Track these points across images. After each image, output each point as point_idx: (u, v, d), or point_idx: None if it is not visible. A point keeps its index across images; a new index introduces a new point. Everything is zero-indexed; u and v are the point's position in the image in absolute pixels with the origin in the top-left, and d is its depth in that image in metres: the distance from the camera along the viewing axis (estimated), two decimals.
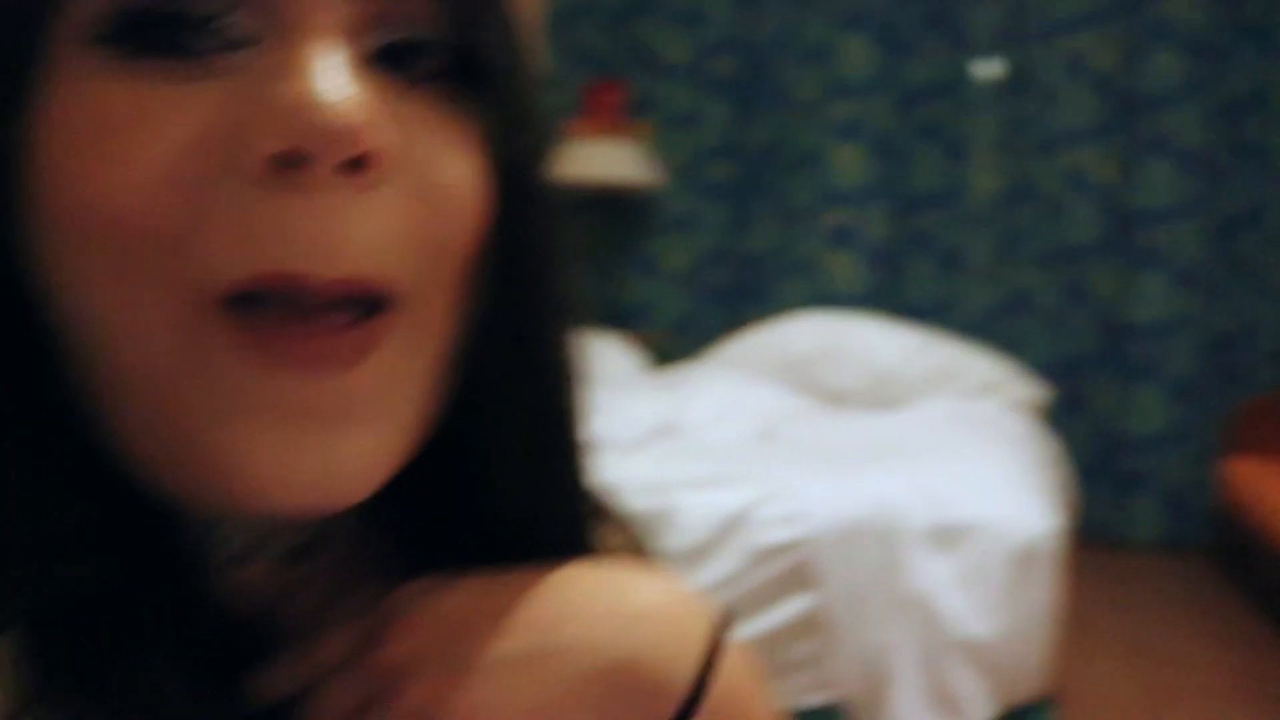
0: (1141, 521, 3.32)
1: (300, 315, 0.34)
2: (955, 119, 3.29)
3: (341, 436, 0.36)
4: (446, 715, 0.40)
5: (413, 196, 0.36)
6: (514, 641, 0.42)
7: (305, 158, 0.33)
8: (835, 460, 2.07)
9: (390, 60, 0.37)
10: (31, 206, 0.36)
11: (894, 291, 3.32)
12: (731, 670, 0.43)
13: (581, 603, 0.43)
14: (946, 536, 1.88)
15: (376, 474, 0.37)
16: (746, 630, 1.81)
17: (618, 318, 3.73)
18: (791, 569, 1.85)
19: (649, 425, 2.28)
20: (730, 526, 1.87)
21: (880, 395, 2.61)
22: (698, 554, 1.86)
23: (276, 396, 0.35)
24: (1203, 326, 3.24)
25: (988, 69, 3.24)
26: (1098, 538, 3.21)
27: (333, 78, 0.33)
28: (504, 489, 0.44)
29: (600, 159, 3.49)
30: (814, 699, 1.87)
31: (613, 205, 3.76)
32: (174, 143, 0.34)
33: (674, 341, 3.54)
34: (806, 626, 1.85)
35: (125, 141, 0.34)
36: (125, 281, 0.34)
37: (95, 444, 0.38)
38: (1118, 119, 3.22)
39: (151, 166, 0.34)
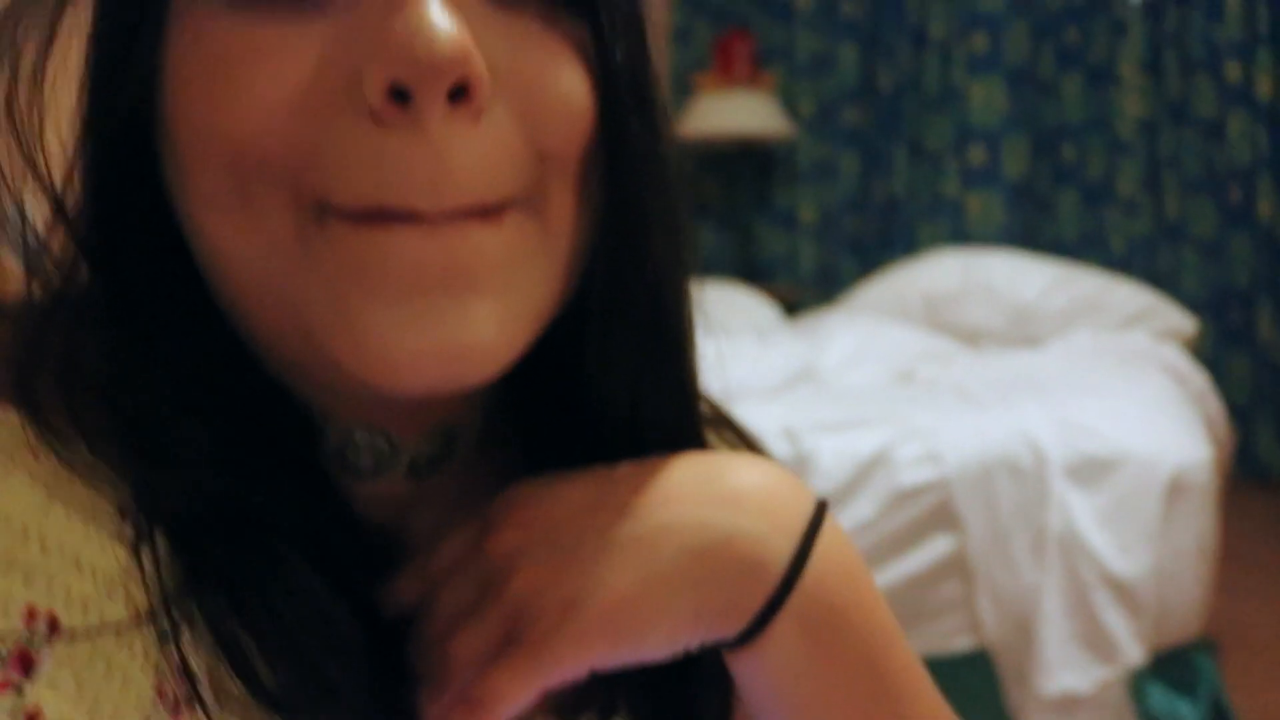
0: None
1: (415, 223, 0.36)
2: (1098, 42, 3.15)
3: (465, 305, 0.37)
4: (552, 599, 0.42)
5: (522, 109, 0.38)
6: (614, 524, 0.43)
7: (413, 89, 0.35)
8: (974, 398, 2.03)
9: None
10: (164, 138, 0.39)
11: (1037, 227, 3.21)
12: (830, 551, 0.44)
13: (680, 486, 0.44)
14: (1090, 470, 1.82)
15: (504, 349, 0.38)
16: (890, 573, 1.80)
17: (755, 270, 3.72)
18: (932, 509, 1.83)
19: (786, 372, 2.27)
20: (868, 468, 1.86)
21: (1021, 332, 2.54)
22: (837, 498, 1.85)
23: (396, 269, 0.36)
24: None
25: None
26: (1262, 476, 3.06)
27: (435, 11, 0.35)
28: (612, 391, 0.45)
29: (732, 111, 3.47)
30: (963, 644, 1.85)
31: (746, 158, 3.74)
32: (291, 78, 0.36)
33: (812, 293, 3.51)
34: (951, 568, 1.83)
35: (246, 77, 0.36)
36: (247, 203, 0.37)
37: (241, 360, 0.42)
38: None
39: (270, 100, 0.36)
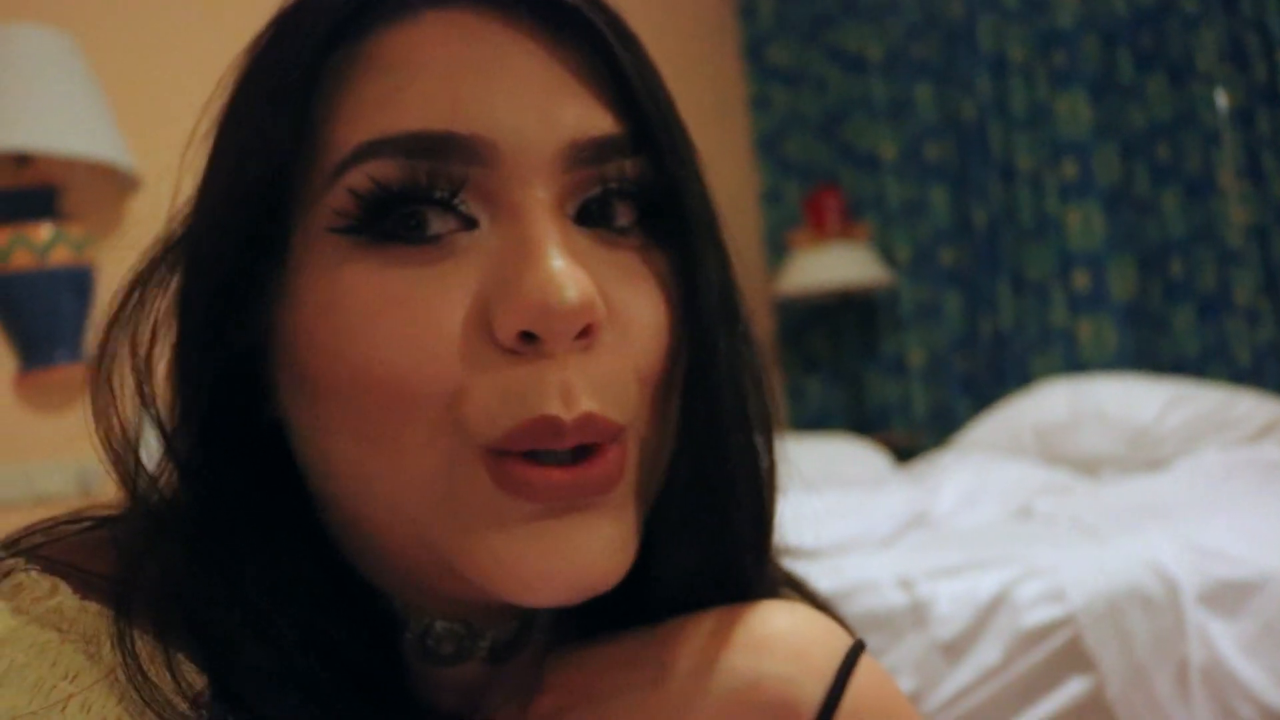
0: None
1: (550, 461, 0.40)
2: (1191, 154, 3.09)
3: (593, 528, 0.41)
4: None
5: (617, 335, 0.42)
6: (646, 678, 0.45)
7: (543, 336, 0.39)
8: (1096, 530, 1.94)
9: (594, 213, 0.43)
10: (285, 373, 0.43)
11: (1154, 347, 3.10)
12: (866, 691, 0.44)
13: (711, 636, 0.46)
14: (1227, 596, 1.71)
15: (624, 560, 0.42)
16: None
17: (868, 419, 3.67)
18: (1062, 650, 1.73)
19: (899, 520, 2.21)
20: (989, 611, 1.78)
21: (1142, 456, 2.43)
22: (960, 644, 1.77)
23: (538, 523, 0.40)
24: None
25: (1219, 96, 3.04)
26: None
27: (562, 264, 0.39)
28: (671, 585, 0.47)
29: (828, 264, 3.50)
30: None
31: (849, 308, 3.74)
32: (437, 323, 0.40)
33: (927, 437, 3.44)
34: (1089, 711, 1.71)
35: (395, 324, 0.40)
36: (395, 438, 0.40)
37: (325, 561, 0.45)
38: None
39: (419, 344, 0.40)
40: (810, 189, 3.79)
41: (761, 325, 3.73)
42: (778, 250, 3.85)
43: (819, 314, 3.81)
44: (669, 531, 0.45)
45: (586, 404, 0.39)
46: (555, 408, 0.39)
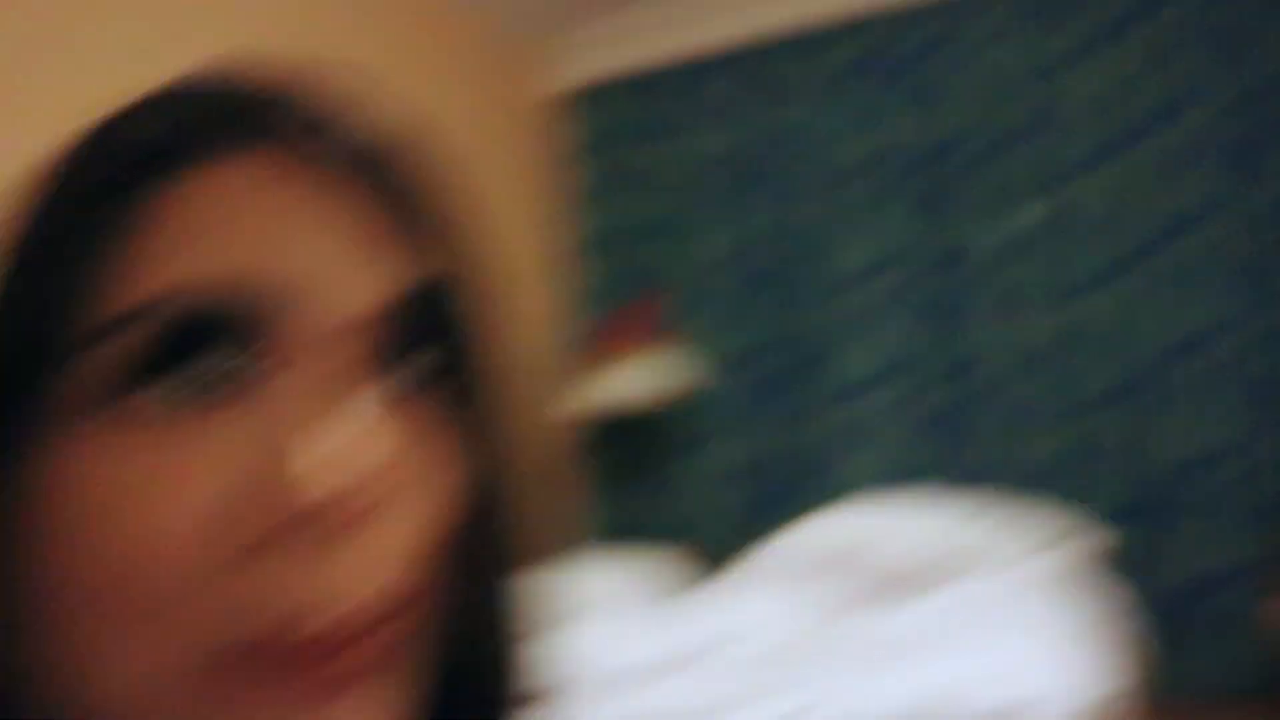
0: (1239, 671, 2.78)
1: (318, 653, 0.36)
2: (997, 270, 3.20)
3: (366, 694, 0.38)
4: None
5: (408, 500, 0.39)
6: None
7: (320, 515, 0.35)
8: (882, 654, 1.96)
9: (389, 367, 0.41)
10: (17, 563, 0.37)
11: (955, 456, 3.17)
12: None
13: None
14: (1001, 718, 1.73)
15: None
16: None
17: (675, 529, 3.61)
18: None
19: (684, 647, 2.19)
20: None
21: (930, 576, 2.46)
22: None
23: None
24: None
25: (1029, 214, 3.17)
26: (1191, 690, 2.80)
27: (340, 434, 0.36)
28: None
29: (640, 374, 3.51)
30: None
31: (658, 418, 3.71)
32: (198, 500, 0.36)
33: (735, 547, 3.41)
34: None
35: (152, 501, 0.35)
36: (144, 629, 0.36)
37: None
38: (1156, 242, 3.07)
39: (179, 523, 0.35)
40: (633, 293, 3.78)
41: (569, 434, 3.70)
42: (591, 357, 3.81)
43: (629, 423, 3.76)
44: (449, 685, 0.45)
45: (365, 594, 0.37)
46: (325, 610, 0.36)
